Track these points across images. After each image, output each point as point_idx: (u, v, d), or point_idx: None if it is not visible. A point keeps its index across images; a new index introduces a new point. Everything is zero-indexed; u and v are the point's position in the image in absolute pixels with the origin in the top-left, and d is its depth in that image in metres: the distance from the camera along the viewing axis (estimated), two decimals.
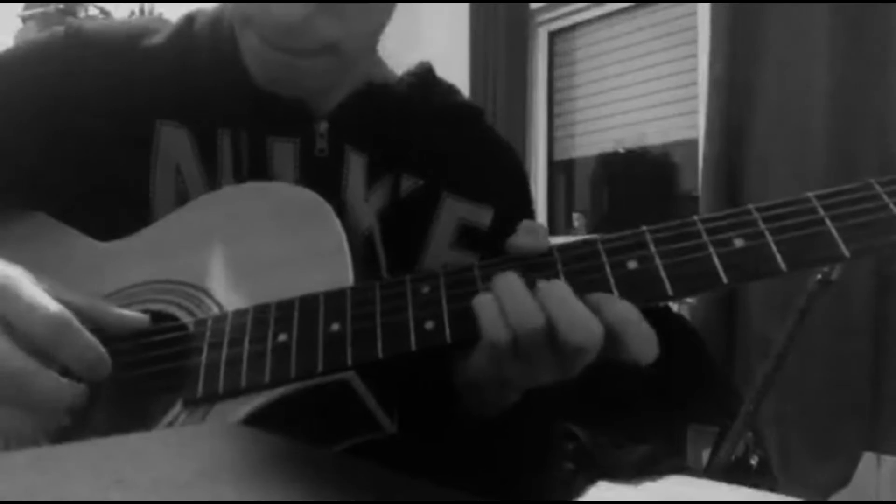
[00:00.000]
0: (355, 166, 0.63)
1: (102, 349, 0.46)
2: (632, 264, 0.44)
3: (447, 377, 0.53)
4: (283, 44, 0.54)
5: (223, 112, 0.61)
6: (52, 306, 0.45)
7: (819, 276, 1.45)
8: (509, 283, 0.44)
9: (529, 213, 0.74)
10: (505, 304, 0.44)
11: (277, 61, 0.55)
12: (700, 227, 0.44)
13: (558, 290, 0.43)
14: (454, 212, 0.65)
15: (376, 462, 0.25)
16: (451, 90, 0.72)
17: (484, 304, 0.44)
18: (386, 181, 0.64)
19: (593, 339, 0.42)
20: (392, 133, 0.65)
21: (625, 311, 0.43)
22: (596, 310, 0.43)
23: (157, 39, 0.63)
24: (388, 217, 0.63)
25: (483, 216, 0.66)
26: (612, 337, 0.43)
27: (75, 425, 0.48)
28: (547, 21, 3.01)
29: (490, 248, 0.64)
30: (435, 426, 0.55)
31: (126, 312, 0.51)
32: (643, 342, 0.43)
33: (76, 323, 0.45)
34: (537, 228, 0.47)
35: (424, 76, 0.69)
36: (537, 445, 0.60)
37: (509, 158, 0.73)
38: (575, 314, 0.42)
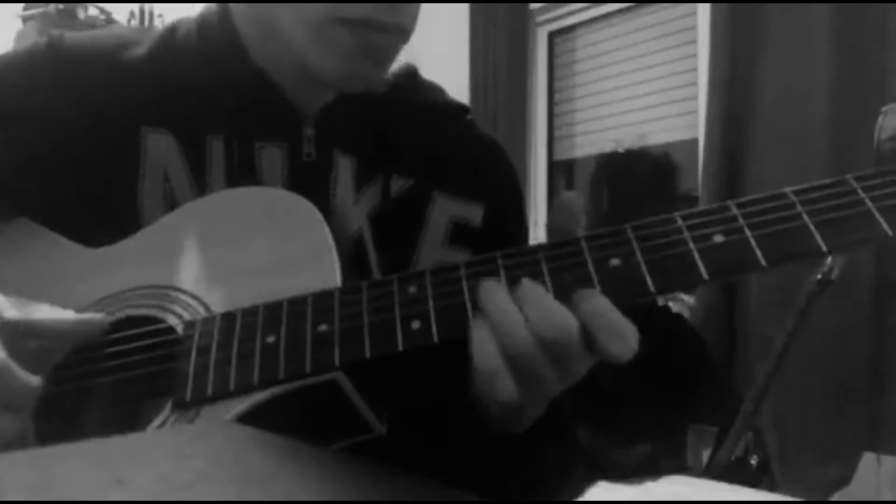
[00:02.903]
0: (343, 169, 0.63)
1: (33, 383, 0.45)
2: (614, 261, 0.44)
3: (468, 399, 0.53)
4: (377, 14, 0.55)
5: (211, 118, 0.61)
6: None
7: (818, 276, 1.45)
8: (494, 294, 0.44)
9: (520, 210, 0.74)
10: (497, 325, 0.43)
11: (363, 44, 0.56)
12: (681, 223, 0.45)
13: (531, 291, 0.44)
14: (445, 210, 0.66)
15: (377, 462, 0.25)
16: (435, 89, 0.72)
17: (477, 332, 0.44)
18: (376, 183, 0.64)
19: (567, 334, 0.42)
20: (380, 134, 0.65)
21: (597, 306, 0.43)
22: (572, 306, 0.43)
23: (139, 50, 0.64)
24: (379, 218, 0.64)
25: (474, 214, 0.67)
26: (586, 332, 0.43)
27: (66, 428, 0.48)
28: (547, 21, 3.01)
29: (483, 246, 0.64)
30: (459, 444, 0.55)
31: (90, 316, 0.51)
32: (614, 337, 0.42)
33: (7, 365, 0.45)
34: (572, 200, 0.47)
35: (408, 76, 0.70)
36: (561, 458, 0.60)
37: (497, 155, 0.74)
38: (549, 311, 0.43)
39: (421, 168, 0.66)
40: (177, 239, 0.56)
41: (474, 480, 0.53)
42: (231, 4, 0.64)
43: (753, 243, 0.43)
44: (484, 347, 0.43)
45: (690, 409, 1.87)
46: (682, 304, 2.17)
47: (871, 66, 1.90)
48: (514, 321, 0.43)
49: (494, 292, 0.44)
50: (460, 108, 0.73)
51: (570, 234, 0.47)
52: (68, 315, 0.51)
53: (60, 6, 2.48)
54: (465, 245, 0.66)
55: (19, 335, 0.47)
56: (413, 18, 0.58)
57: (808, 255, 0.42)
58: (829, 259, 1.41)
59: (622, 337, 0.42)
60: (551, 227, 0.48)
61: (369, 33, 0.55)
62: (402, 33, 0.58)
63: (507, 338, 0.43)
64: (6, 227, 0.61)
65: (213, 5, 0.66)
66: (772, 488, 1.83)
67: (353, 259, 0.61)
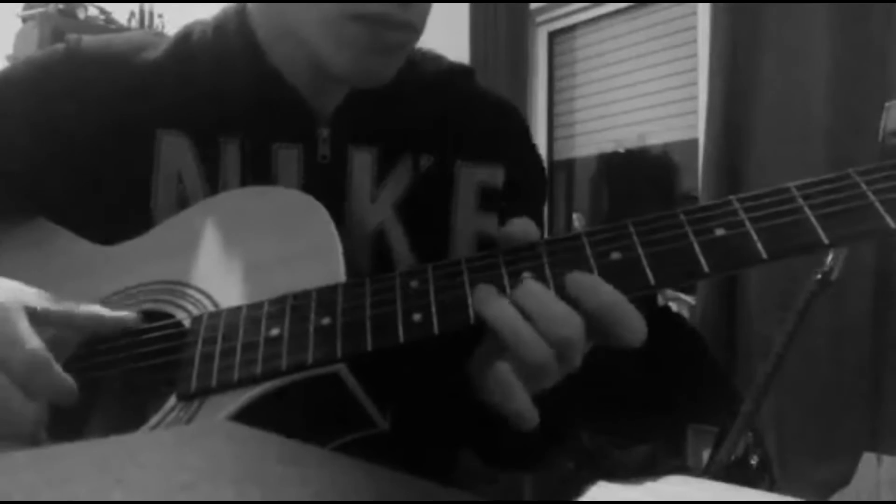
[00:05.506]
0: (360, 167, 0.63)
1: (71, 382, 0.46)
2: (615, 255, 0.45)
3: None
4: (391, 11, 0.55)
5: (226, 119, 0.62)
6: (33, 343, 0.46)
7: (819, 276, 1.45)
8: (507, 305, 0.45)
9: (538, 165, 0.74)
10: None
11: (376, 40, 0.56)
12: (682, 217, 0.45)
13: (533, 288, 0.44)
14: (472, 177, 0.66)
15: (375, 462, 0.25)
16: (436, 57, 0.72)
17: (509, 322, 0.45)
18: (401, 167, 0.65)
19: (576, 332, 0.43)
20: (394, 119, 0.65)
21: (608, 296, 0.43)
22: (576, 300, 0.44)
23: (154, 53, 0.65)
24: (408, 202, 0.64)
25: (498, 176, 0.68)
26: (599, 323, 0.43)
27: (73, 420, 0.49)
28: (547, 21, 3.01)
29: (509, 206, 0.65)
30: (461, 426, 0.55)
31: (116, 313, 0.52)
32: (632, 323, 0.43)
33: (51, 361, 0.46)
34: (527, 225, 0.48)
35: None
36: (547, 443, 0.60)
37: (509, 114, 0.74)
38: (552, 311, 0.43)
39: (440, 141, 0.66)
40: (187, 236, 0.57)
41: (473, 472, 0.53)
42: (249, 6, 0.65)
43: (754, 236, 0.43)
44: (499, 366, 0.44)
45: (690, 409, 1.87)
46: (682, 303, 2.17)
47: (872, 65, 1.90)
48: (522, 331, 0.44)
49: (491, 300, 0.45)
50: (467, 71, 0.73)
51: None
52: (87, 308, 0.52)
53: (60, 6, 2.48)
54: (495, 208, 0.67)
55: (36, 323, 0.47)
56: (424, 16, 0.59)
57: (809, 249, 0.42)
58: (830, 258, 1.41)
59: (638, 321, 0.44)
60: (502, 237, 0.49)
61: (383, 30, 0.56)
62: (414, 30, 0.59)
63: (524, 350, 0.44)
64: (24, 226, 0.63)
65: (230, 7, 0.66)
66: (772, 488, 1.83)
67: (374, 255, 0.62)
